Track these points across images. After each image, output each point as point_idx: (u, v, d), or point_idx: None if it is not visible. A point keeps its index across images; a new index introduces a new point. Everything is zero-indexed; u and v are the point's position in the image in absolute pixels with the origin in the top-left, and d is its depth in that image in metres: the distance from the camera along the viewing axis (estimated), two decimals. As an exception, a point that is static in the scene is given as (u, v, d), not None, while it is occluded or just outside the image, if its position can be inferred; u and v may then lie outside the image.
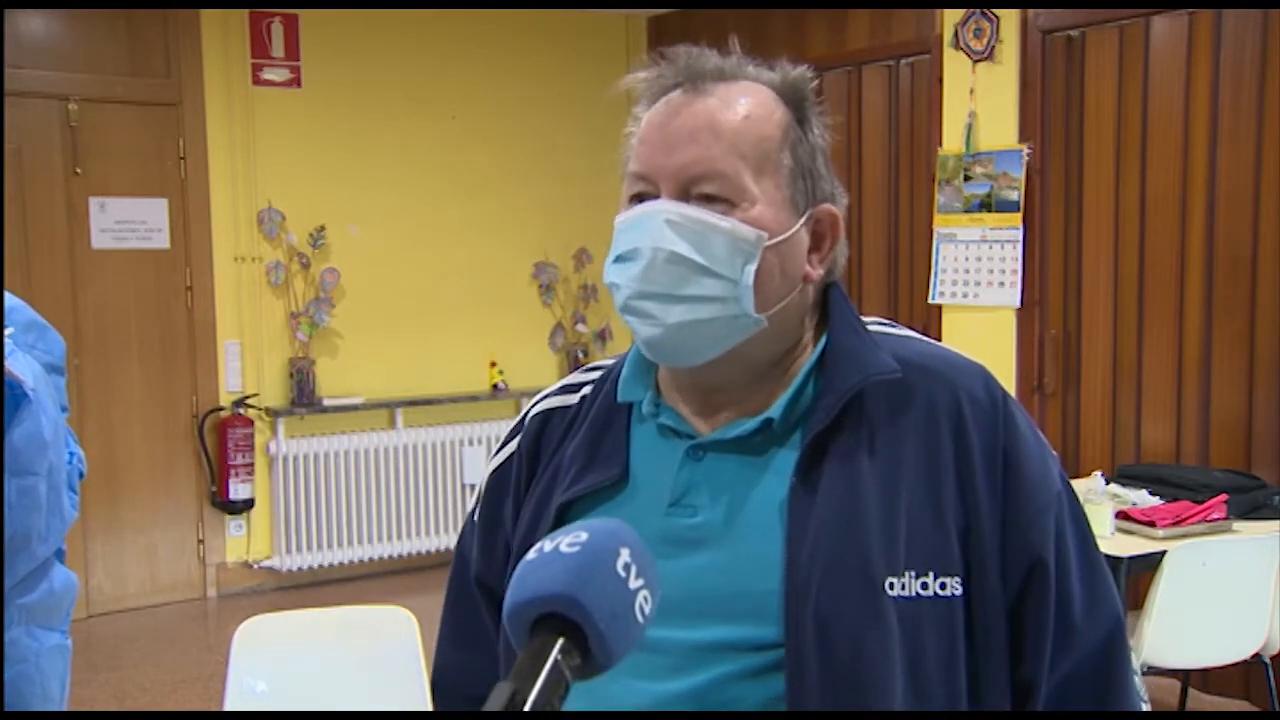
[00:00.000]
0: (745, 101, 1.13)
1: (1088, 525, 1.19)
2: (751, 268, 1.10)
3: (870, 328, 1.19)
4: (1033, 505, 1.12)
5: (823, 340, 1.18)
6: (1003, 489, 1.11)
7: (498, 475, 1.28)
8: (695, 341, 1.12)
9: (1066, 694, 1.14)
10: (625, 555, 0.88)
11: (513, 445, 1.28)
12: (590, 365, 1.31)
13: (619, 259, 1.13)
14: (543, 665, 0.81)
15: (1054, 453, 1.20)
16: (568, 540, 0.88)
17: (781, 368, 1.17)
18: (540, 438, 1.25)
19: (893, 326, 1.23)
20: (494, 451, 1.31)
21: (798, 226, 1.14)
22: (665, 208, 1.10)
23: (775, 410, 1.14)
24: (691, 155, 1.11)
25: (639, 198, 1.14)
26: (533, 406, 1.29)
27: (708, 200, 1.11)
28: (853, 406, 1.12)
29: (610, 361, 1.28)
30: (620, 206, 1.17)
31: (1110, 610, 1.16)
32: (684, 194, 1.11)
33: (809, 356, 1.18)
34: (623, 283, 1.12)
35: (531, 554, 0.89)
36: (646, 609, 0.88)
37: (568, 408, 1.26)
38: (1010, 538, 1.11)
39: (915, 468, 1.10)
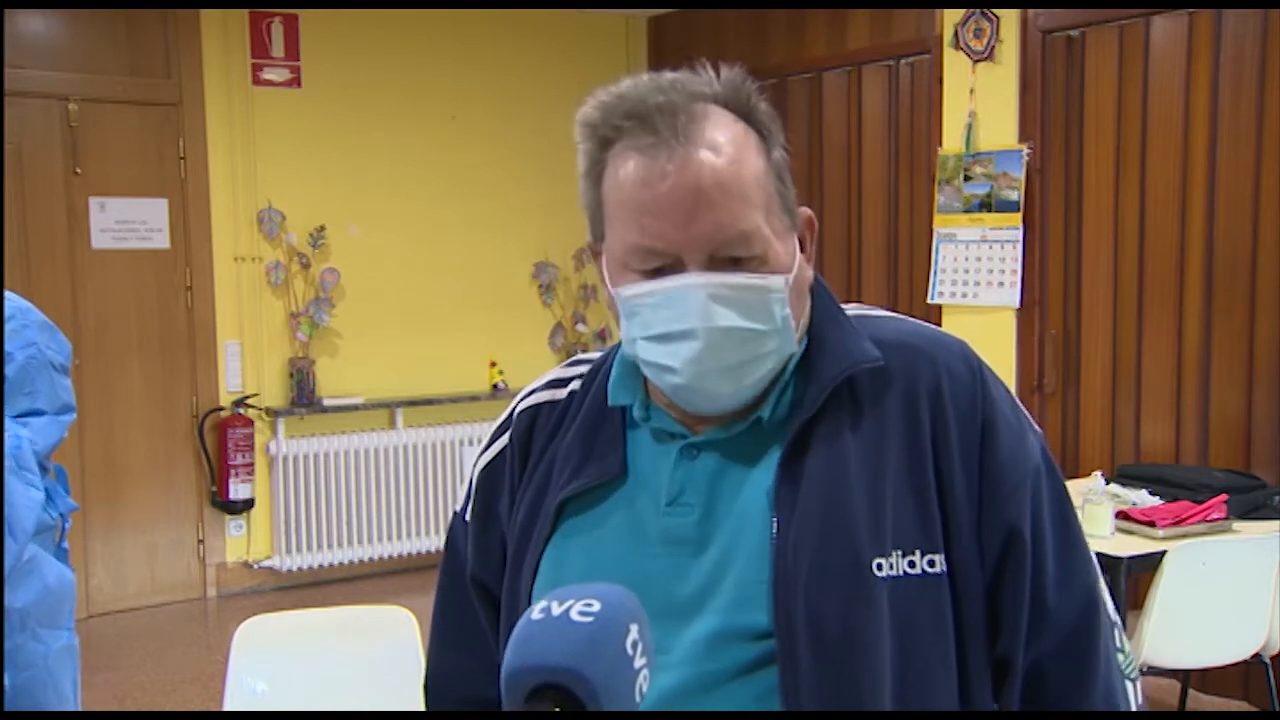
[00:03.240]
0: (724, 139, 1.08)
1: (1068, 501, 1.18)
2: (786, 311, 1.10)
3: (849, 312, 1.20)
4: (1009, 480, 1.12)
5: (804, 337, 1.18)
6: (979, 463, 1.12)
7: (489, 471, 1.27)
8: (746, 394, 1.13)
9: (1041, 670, 1.13)
10: (634, 632, 0.86)
11: (503, 440, 1.26)
12: (575, 359, 1.29)
13: (661, 338, 1.10)
14: None
15: (1037, 429, 1.19)
16: (579, 607, 0.85)
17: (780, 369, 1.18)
18: (531, 432, 1.24)
19: (870, 309, 1.23)
20: (482, 448, 1.28)
21: (797, 247, 1.15)
22: (703, 281, 1.07)
23: (765, 410, 1.14)
24: (713, 222, 1.06)
25: (656, 271, 1.09)
26: (520, 401, 1.28)
27: (734, 262, 1.08)
28: (835, 393, 1.12)
29: (596, 355, 1.27)
30: (619, 273, 1.12)
31: (1083, 588, 1.15)
32: (711, 261, 1.08)
33: (795, 355, 1.18)
34: (678, 365, 1.09)
35: (537, 613, 0.87)
36: (644, 689, 0.86)
37: (556, 402, 1.25)
38: (986, 511, 1.11)
39: (898, 448, 1.11)
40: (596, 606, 0.85)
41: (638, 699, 0.85)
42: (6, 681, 1.86)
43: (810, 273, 1.18)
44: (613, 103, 1.11)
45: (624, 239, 1.10)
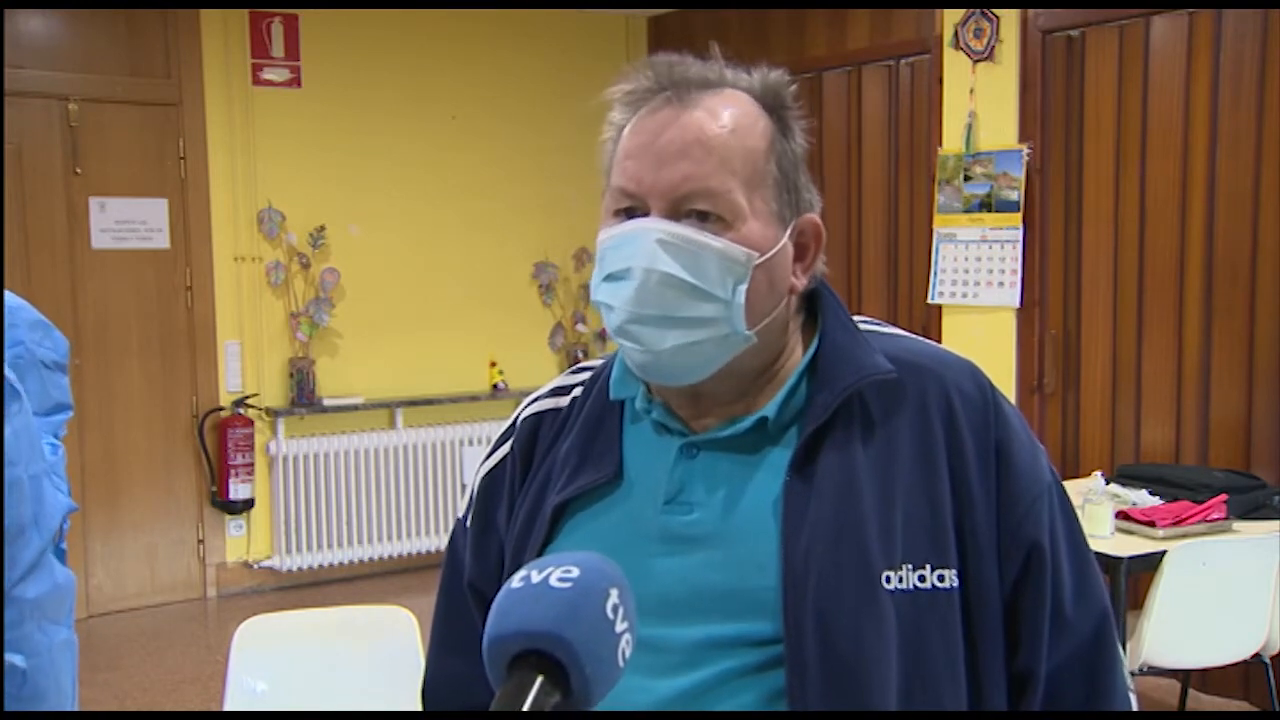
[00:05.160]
0: (731, 113, 1.11)
1: (1076, 518, 1.19)
2: (743, 287, 1.09)
3: (862, 327, 1.20)
4: (1026, 495, 1.13)
5: (815, 341, 1.18)
6: (996, 480, 1.12)
7: (490, 478, 1.27)
8: (688, 364, 1.11)
9: (1058, 685, 1.14)
10: (614, 596, 0.86)
11: (505, 448, 1.27)
12: (579, 366, 1.30)
13: (609, 278, 1.12)
14: (522, 704, 0.79)
15: (1041, 446, 1.20)
16: (558, 574, 0.86)
17: (769, 373, 1.17)
18: (533, 440, 1.25)
19: (880, 325, 1.23)
20: (485, 455, 1.29)
21: (784, 240, 1.13)
22: (657, 226, 1.09)
23: (770, 409, 1.14)
24: (682, 172, 1.09)
25: (627, 213, 1.12)
26: (524, 409, 1.28)
27: (700, 218, 1.09)
28: (846, 404, 1.12)
29: (598, 362, 1.28)
30: (602, 219, 1.15)
31: (1098, 602, 1.17)
32: (675, 211, 1.09)
33: (800, 357, 1.18)
34: (616, 304, 1.11)
35: (516, 582, 0.87)
36: (627, 653, 0.86)
37: (559, 410, 1.25)
38: (1006, 528, 1.11)
39: (909, 462, 1.11)
40: (575, 572, 0.86)
41: (620, 663, 0.85)
42: (20, 665, 1.89)
43: (800, 281, 1.16)
44: (653, 73, 1.14)
45: (610, 185, 1.14)
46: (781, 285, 1.14)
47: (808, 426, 1.11)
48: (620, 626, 0.86)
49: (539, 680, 0.80)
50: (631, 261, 1.09)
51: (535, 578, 0.86)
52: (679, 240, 1.08)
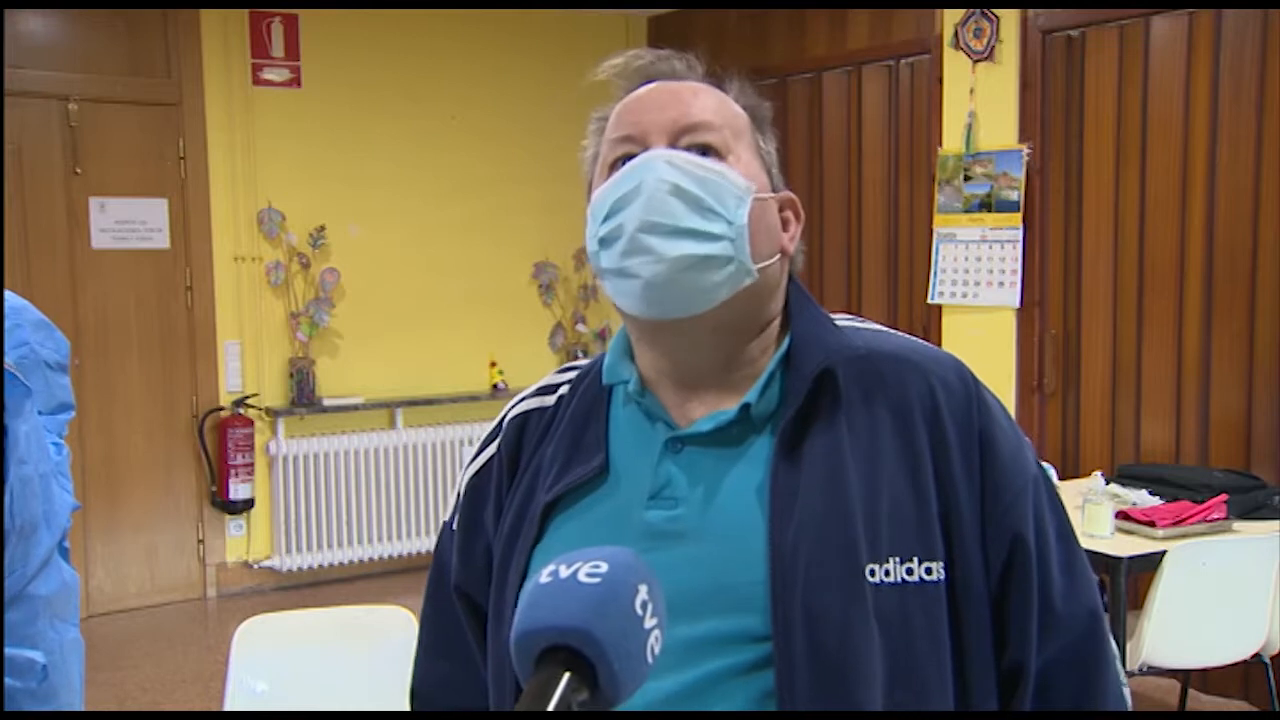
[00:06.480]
0: (711, 90, 1.19)
1: (1064, 511, 1.19)
2: (744, 210, 1.12)
3: (840, 322, 1.20)
4: (1010, 488, 1.12)
5: (788, 337, 1.18)
6: (980, 473, 1.11)
7: (477, 480, 1.26)
8: (693, 285, 1.10)
9: (1049, 680, 1.13)
10: (643, 592, 0.85)
11: (491, 449, 1.26)
12: (565, 366, 1.30)
13: (613, 208, 1.11)
14: (549, 700, 0.78)
15: (1027, 439, 1.20)
16: (587, 569, 0.85)
17: (751, 357, 1.17)
18: (520, 440, 1.24)
19: (864, 322, 1.23)
20: (471, 457, 1.28)
21: (772, 195, 1.18)
22: (663, 152, 1.12)
23: (751, 396, 1.13)
24: (681, 110, 1.15)
25: (626, 159, 1.14)
26: (509, 410, 1.28)
27: (700, 152, 1.13)
28: (826, 393, 1.12)
29: (586, 362, 1.27)
30: (596, 185, 1.17)
31: (1089, 596, 1.16)
32: (675, 144, 1.14)
33: (777, 351, 1.18)
34: (625, 220, 1.10)
35: (544, 578, 0.86)
36: (656, 649, 0.86)
37: (545, 409, 1.25)
38: (990, 520, 1.11)
39: (893, 455, 1.10)
40: (604, 568, 0.85)
41: (649, 660, 0.85)
42: (39, 660, 1.91)
43: (790, 245, 1.19)
44: (639, 65, 1.20)
45: (606, 140, 1.18)
46: (775, 233, 1.17)
47: (787, 411, 1.11)
48: (649, 623, 0.85)
49: (566, 676, 0.80)
50: (640, 179, 1.11)
51: (563, 573, 0.85)
52: (686, 162, 1.12)
